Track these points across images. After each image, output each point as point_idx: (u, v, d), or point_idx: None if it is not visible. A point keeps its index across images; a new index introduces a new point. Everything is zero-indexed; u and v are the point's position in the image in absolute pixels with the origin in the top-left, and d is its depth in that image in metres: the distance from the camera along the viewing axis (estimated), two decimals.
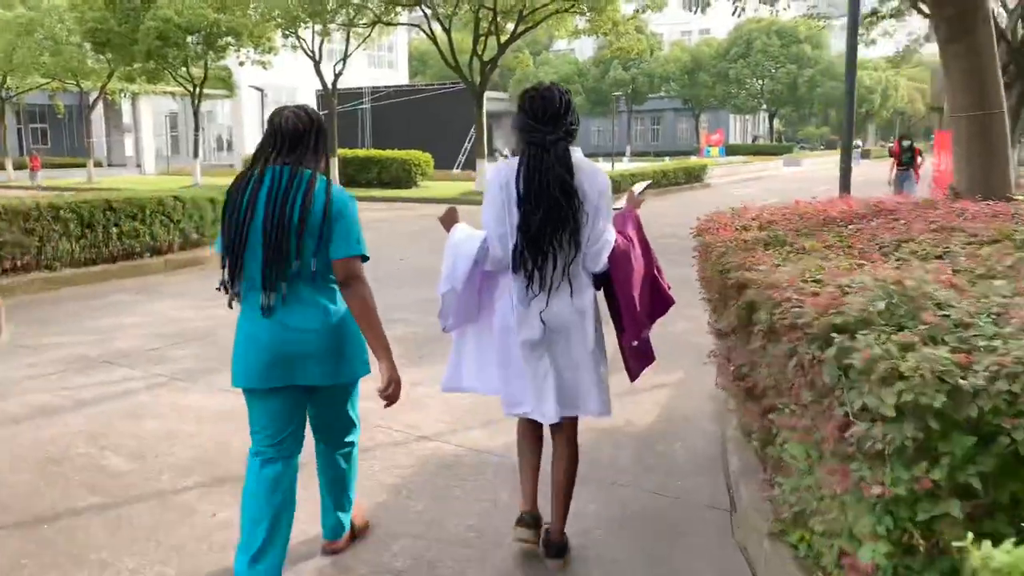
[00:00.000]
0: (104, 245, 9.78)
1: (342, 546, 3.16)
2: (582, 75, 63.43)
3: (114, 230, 9.85)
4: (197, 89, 27.20)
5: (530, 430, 3.12)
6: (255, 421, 2.85)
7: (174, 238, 10.66)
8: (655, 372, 5.56)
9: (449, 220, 3.05)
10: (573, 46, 68.94)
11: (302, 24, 22.85)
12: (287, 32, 23.45)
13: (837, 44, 71.57)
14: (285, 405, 2.80)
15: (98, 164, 37.21)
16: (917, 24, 36.06)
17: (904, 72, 62.31)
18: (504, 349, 2.92)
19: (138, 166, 38.91)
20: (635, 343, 2.99)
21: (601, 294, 3.01)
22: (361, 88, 37.32)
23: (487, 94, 24.66)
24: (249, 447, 2.87)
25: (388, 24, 24.40)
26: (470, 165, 31.42)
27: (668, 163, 29.39)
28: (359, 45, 25.02)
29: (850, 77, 6.04)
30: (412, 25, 25.21)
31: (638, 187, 3.37)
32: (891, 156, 15.53)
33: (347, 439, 3.05)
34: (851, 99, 6.05)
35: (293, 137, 2.72)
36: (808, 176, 35.36)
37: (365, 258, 2.76)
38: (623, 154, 47.65)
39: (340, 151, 25.18)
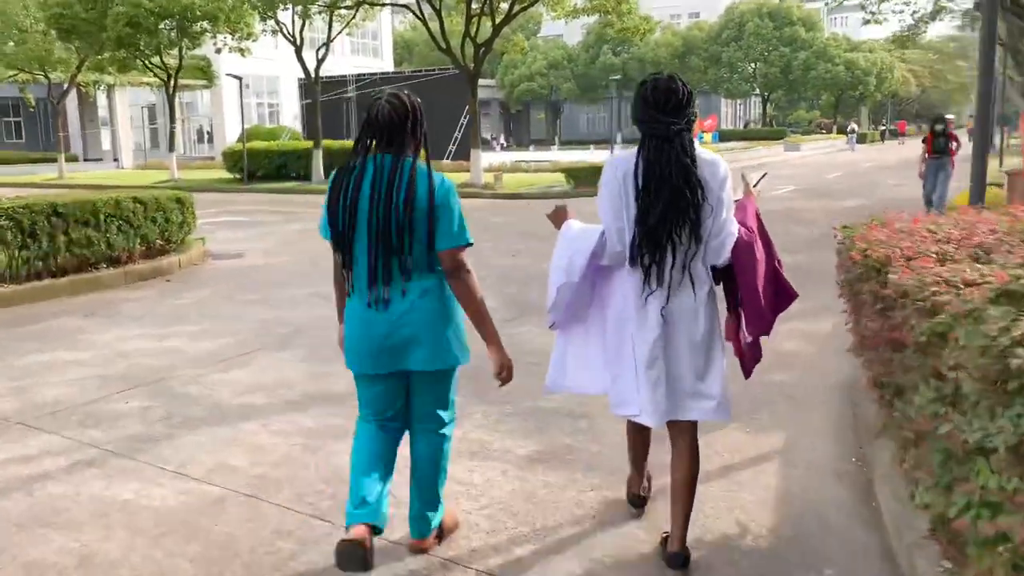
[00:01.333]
0: (52, 256, 8.36)
1: (429, 544, 3.01)
2: (571, 60, 61.89)
3: (62, 239, 8.43)
4: (172, 79, 25.61)
5: (639, 428, 3.08)
6: (362, 398, 2.94)
7: (134, 246, 9.22)
8: (753, 436, 4.26)
9: (558, 218, 3.01)
10: (562, 32, 67.39)
11: (281, 6, 21.29)
12: (265, 15, 21.86)
13: (830, 26, 70.22)
14: (390, 388, 2.86)
15: (73, 159, 35.54)
16: (923, 2, 34.81)
17: (902, 55, 60.97)
18: (615, 346, 2.86)
19: (115, 160, 37.21)
20: (750, 339, 2.94)
21: (720, 289, 2.92)
22: (345, 76, 35.68)
23: None
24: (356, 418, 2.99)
25: (372, 5, 22.88)
26: (461, 155, 29.96)
27: None
28: (342, 29, 23.46)
29: (987, 77, 4.74)
30: (398, 5, 23.52)
31: (752, 177, 3.15)
32: (922, 142, 12.91)
33: (443, 421, 2.98)
34: (987, 98, 4.76)
35: (390, 128, 2.68)
36: (812, 161, 34.12)
37: (469, 244, 2.76)
38: (614, 141, 46.02)
39: (325, 142, 23.65)
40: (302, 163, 23.67)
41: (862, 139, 54.90)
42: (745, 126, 69.65)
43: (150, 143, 42.18)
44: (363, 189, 2.67)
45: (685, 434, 2.89)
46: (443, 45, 19.75)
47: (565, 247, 2.87)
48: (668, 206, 2.66)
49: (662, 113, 2.70)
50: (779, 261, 2.95)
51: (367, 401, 2.91)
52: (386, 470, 2.87)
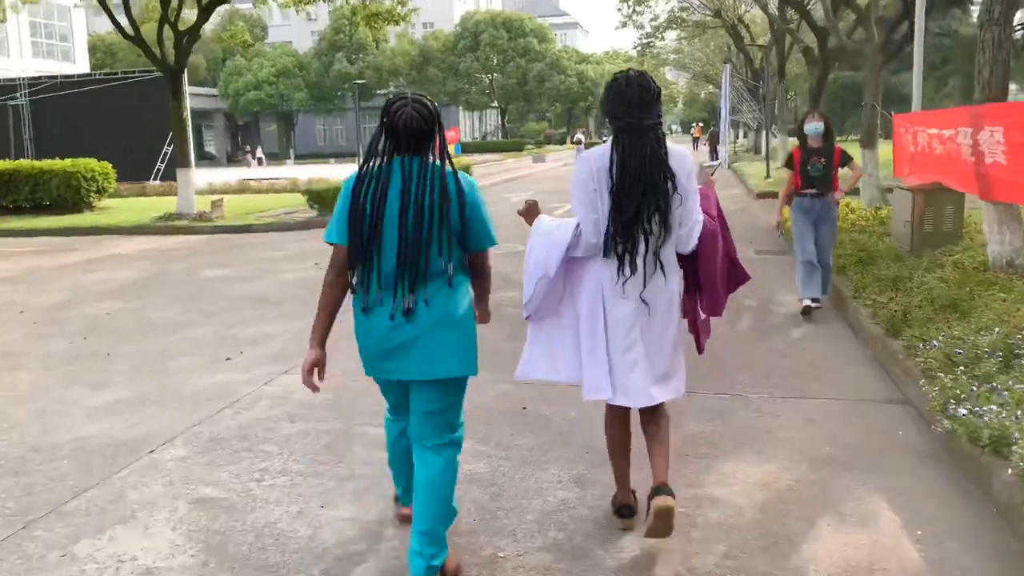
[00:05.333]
0: None
1: None
2: (303, 68, 57.11)
3: None
4: None
5: (619, 417, 3.14)
6: (385, 396, 3.00)
7: None
8: None
9: (530, 213, 3.09)
10: (291, 38, 62.30)
11: None
12: None
13: (561, 40, 71.76)
14: (405, 391, 2.86)
15: None
16: (660, 7, 34.97)
17: (637, 64, 63.27)
18: (589, 334, 2.94)
19: None
20: (703, 317, 3.13)
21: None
22: (15, 80, 28.68)
23: (192, 90, 18.49)
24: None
25: None
26: (173, 175, 24.75)
27: None
28: None
29: None
30: None
31: (708, 167, 3.05)
32: (787, 166, 7.04)
33: (449, 435, 2.83)
34: None
35: (418, 137, 2.65)
36: (562, 173, 32.92)
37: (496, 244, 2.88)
38: (358, 154, 42.38)
39: None
40: None
41: (590, 148, 56.12)
42: (483, 138, 69.09)
43: None
44: (391, 194, 2.63)
45: (654, 407, 3.03)
46: (131, 32, 15.07)
47: (541, 241, 2.95)
48: (643, 197, 2.80)
49: (634, 109, 2.81)
50: (733, 247, 3.13)
51: (387, 399, 2.99)
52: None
